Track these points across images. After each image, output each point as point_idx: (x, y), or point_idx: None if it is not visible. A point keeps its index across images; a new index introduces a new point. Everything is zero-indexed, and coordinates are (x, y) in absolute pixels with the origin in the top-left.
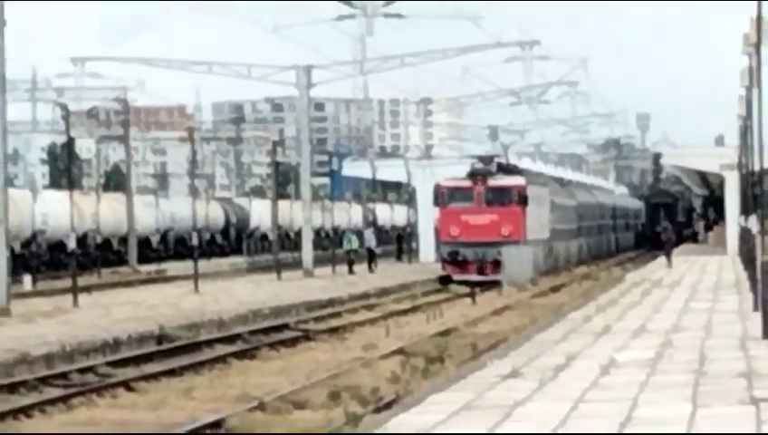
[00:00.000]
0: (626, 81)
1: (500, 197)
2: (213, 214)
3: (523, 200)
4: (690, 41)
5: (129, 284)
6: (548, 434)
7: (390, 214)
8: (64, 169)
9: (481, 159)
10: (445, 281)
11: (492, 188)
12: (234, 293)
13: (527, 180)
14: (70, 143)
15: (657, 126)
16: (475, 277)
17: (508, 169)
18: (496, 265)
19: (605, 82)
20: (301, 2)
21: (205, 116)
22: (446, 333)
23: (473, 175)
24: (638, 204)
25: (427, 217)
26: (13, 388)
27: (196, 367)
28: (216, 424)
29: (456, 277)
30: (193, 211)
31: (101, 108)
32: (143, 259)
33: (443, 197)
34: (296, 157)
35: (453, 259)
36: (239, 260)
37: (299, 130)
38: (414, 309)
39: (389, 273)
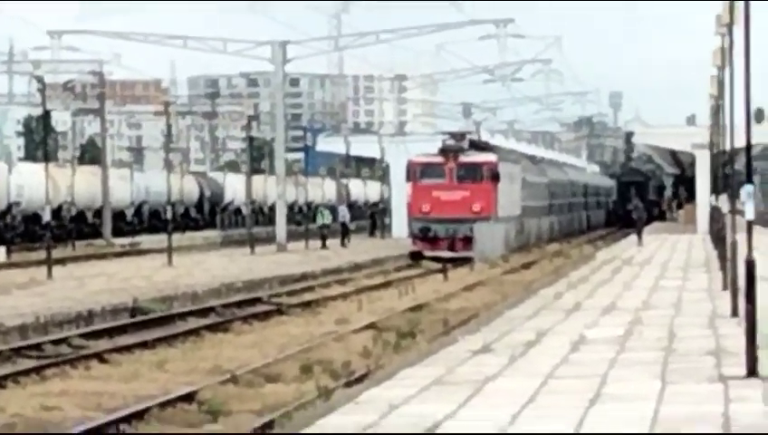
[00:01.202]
0: (599, 60)
1: (471, 173)
2: (187, 188)
3: (495, 177)
4: (663, 21)
5: (103, 256)
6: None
7: (364, 190)
8: (40, 141)
9: (452, 135)
10: (415, 257)
11: (463, 164)
12: (207, 266)
13: (499, 157)
14: (46, 116)
15: (630, 105)
16: (445, 253)
17: (480, 146)
18: (467, 241)
19: (578, 61)
20: None
21: (180, 90)
22: (417, 308)
23: (444, 151)
24: (609, 182)
25: (399, 193)
26: None
27: (169, 340)
28: (189, 396)
29: (427, 253)
30: (168, 185)
31: (78, 81)
32: (117, 232)
33: (414, 173)
34: (271, 132)
35: (424, 235)
36: (213, 234)
37: (274, 106)
38: (386, 284)
39: (362, 248)
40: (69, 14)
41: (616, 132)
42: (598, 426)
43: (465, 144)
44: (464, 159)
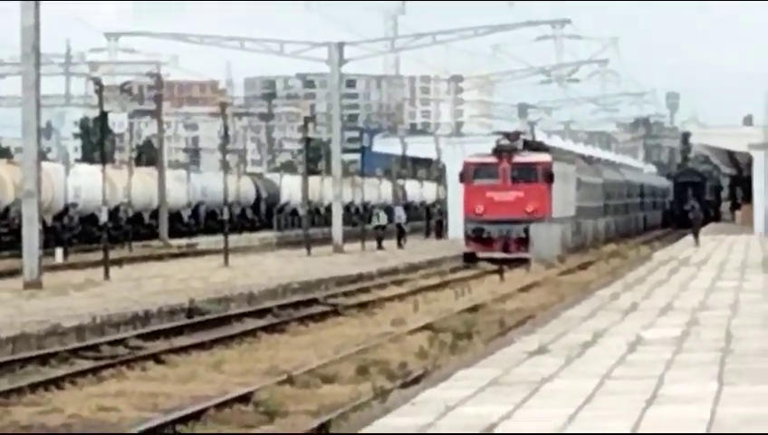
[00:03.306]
0: (656, 60)
1: (525, 174)
2: (244, 189)
3: (549, 177)
4: (720, 21)
5: (159, 257)
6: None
7: (420, 190)
8: (97, 142)
9: (506, 135)
10: (469, 258)
11: (517, 164)
12: (264, 267)
13: (553, 157)
14: (103, 117)
15: (687, 105)
16: (499, 255)
17: (534, 146)
18: (521, 242)
19: (635, 62)
20: None
21: (237, 91)
22: (474, 309)
23: (498, 151)
24: (666, 183)
25: (456, 194)
26: (44, 359)
27: (225, 341)
28: (245, 397)
29: (481, 255)
30: (224, 186)
31: (135, 82)
32: (174, 233)
33: (468, 173)
34: (327, 133)
35: (477, 236)
36: (269, 235)
37: (330, 107)
38: (442, 285)
39: (418, 249)
40: (125, 14)
41: (672, 133)
42: (655, 427)
43: (519, 144)
44: (518, 159)
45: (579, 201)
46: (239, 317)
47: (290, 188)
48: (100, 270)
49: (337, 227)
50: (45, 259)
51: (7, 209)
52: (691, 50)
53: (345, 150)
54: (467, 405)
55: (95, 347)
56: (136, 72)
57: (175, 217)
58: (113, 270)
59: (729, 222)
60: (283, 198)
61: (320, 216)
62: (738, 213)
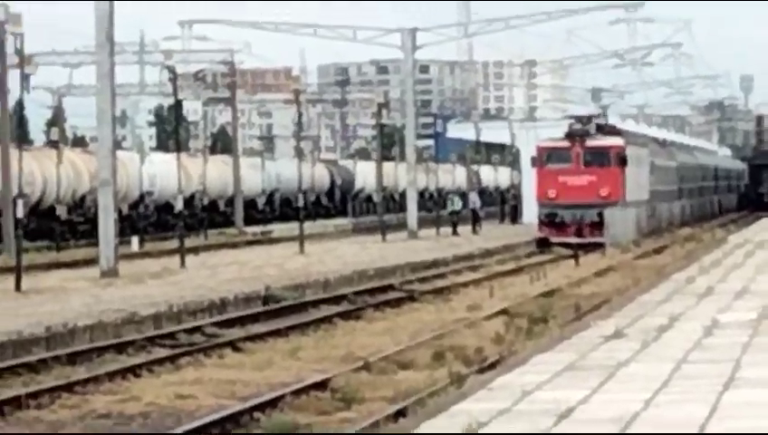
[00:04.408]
0: (729, 43)
1: (598, 157)
2: (318, 176)
3: (622, 161)
4: None
5: (235, 245)
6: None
7: (494, 176)
8: (172, 131)
9: (578, 119)
10: (542, 244)
11: (590, 148)
12: (339, 254)
13: (626, 141)
14: (177, 106)
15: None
16: (573, 240)
17: (607, 130)
18: (595, 226)
19: (708, 45)
20: None
21: (310, 78)
22: (549, 293)
23: (570, 135)
24: (740, 165)
25: (530, 179)
26: (121, 347)
27: (301, 327)
28: (322, 384)
29: (554, 240)
30: (299, 173)
31: (208, 70)
32: (249, 220)
33: (541, 158)
34: (401, 119)
35: (550, 221)
36: (344, 222)
37: (404, 93)
38: (517, 270)
39: (493, 234)
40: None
41: (747, 116)
42: (732, 411)
43: (592, 128)
44: (590, 142)
45: (653, 185)
46: (315, 304)
47: (364, 175)
48: (176, 258)
49: (412, 213)
50: (121, 248)
51: (83, 198)
52: (764, 32)
53: (419, 136)
54: (544, 390)
55: (172, 335)
56: (210, 60)
57: (250, 204)
58: (189, 258)
59: None
60: (358, 185)
61: (394, 202)
62: None
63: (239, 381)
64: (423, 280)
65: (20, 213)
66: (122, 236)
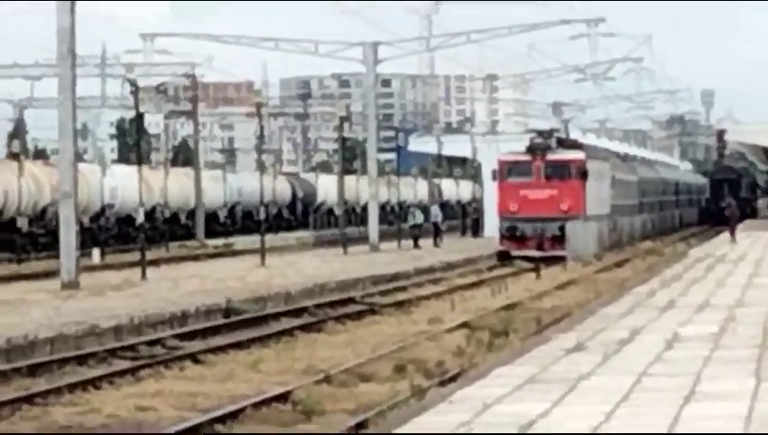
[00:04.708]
0: (690, 58)
1: (559, 171)
2: (280, 189)
3: (583, 175)
4: (754, 18)
5: (196, 257)
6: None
7: (456, 189)
8: (133, 143)
9: (540, 133)
10: (503, 257)
11: (551, 162)
12: (300, 267)
13: (587, 155)
14: (139, 118)
15: (722, 103)
16: (534, 253)
17: (568, 144)
18: (556, 240)
19: (669, 59)
20: None
21: (272, 92)
22: (510, 307)
23: (531, 149)
24: (701, 180)
25: (491, 193)
26: (82, 360)
27: (262, 340)
28: (283, 396)
29: (515, 253)
30: (260, 186)
31: (170, 84)
32: (210, 233)
33: (502, 172)
34: (363, 132)
35: (512, 234)
36: (306, 234)
37: (365, 106)
38: (479, 283)
39: (455, 247)
40: (160, 16)
41: (708, 130)
42: (693, 424)
43: (553, 142)
44: (551, 156)
45: (614, 199)
46: (276, 317)
47: (326, 188)
48: (138, 270)
49: (373, 227)
50: (82, 260)
51: (44, 210)
52: (726, 47)
53: (381, 150)
54: (504, 403)
55: (133, 347)
56: (171, 74)
57: (211, 217)
58: (150, 270)
59: (766, 219)
60: (320, 198)
61: (356, 215)
62: None
63: (200, 393)
64: (384, 293)
65: None
66: (83, 248)
